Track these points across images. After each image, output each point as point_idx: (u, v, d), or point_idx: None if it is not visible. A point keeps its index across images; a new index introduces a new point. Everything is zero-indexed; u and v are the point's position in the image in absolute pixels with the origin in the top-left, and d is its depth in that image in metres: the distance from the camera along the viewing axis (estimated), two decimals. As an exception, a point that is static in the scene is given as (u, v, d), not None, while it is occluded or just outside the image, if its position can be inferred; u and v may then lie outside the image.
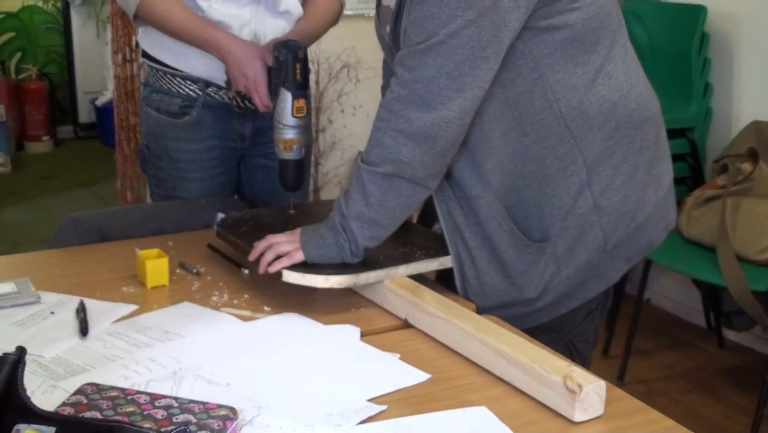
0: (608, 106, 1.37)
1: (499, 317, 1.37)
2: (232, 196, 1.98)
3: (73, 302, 1.40)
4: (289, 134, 1.62)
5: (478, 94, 1.28)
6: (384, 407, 1.11)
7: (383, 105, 1.33)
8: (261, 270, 1.42)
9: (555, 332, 1.48)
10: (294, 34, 1.82)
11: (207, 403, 1.06)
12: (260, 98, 1.72)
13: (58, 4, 5.81)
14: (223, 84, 1.84)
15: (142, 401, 1.05)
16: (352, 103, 3.62)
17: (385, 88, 1.49)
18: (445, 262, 1.46)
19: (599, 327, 1.64)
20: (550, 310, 1.45)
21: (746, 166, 2.63)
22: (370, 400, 1.13)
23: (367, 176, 1.34)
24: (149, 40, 1.89)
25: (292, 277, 1.38)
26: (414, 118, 1.28)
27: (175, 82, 1.87)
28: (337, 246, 1.38)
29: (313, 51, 2.78)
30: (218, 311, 1.39)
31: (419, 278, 1.45)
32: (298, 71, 1.60)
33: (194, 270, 1.54)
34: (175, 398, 1.07)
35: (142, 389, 1.11)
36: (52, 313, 1.36)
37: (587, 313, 1.51)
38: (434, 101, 1.27)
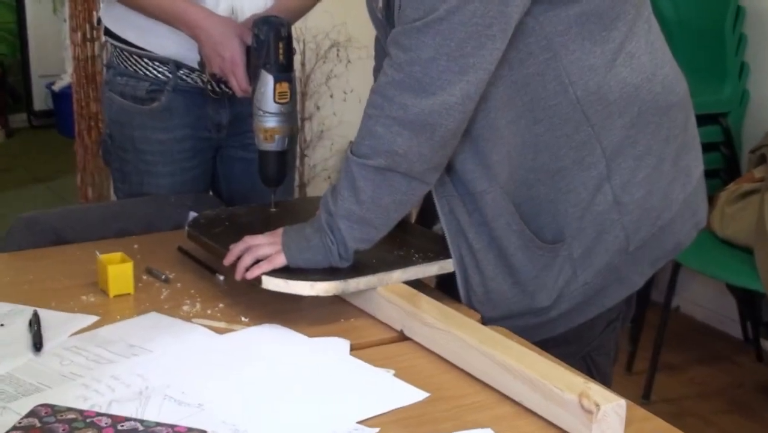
0: (630, 90, 1.37)
1: (507, 328, 1.37)
2: (206, 192, 1.98)
3: (26, 312, 1.39)
4: (271, 122, 1.62)
5: (483, 77, 1.28)
6: (376, 430, 1.11)
7: (375, 90, 1.33)
8: (238, 276, 1.42)
9: (570, 345, 1.48)
10: (276, 10, 1.82)
11: (176, 426, 1.06)
12: (238, 82, 1.72)
13: (10, -24, 5.81)
14: (196, 66, 1.84)
15: (103, 424, 1.05)
16: (342, 87, 3.63)
17: (378, 71, 1.49)
18: (446, 266, 1.46)
19: (621, 339, 1.64)
20: (565, 320, 1.45)
21: (788, 157, 2.64)
22: (360, 422, 1.13)
23: (358, 170, 1.34)
24: (113, 16, 1.89)
25: (272, 283, 1.38)
26: (410, 104, 1.28)
27: (142, 63, 1.87)
28: (324, 248, 1.38)
29: (297, 28, 2.78)
30: (190, 323, 1.39)
31: (417, 284, 1.45)
32: (280, 51, 1.60)
33: (163, 276, 1.55)
34: (141, 421, 1.07)
35: (103, 410, 1.12)
36: (2, 325, 1.36)
37: (607, 323, 1.52)
38: (433, 85, 1.27)
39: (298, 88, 3.45)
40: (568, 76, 1.33)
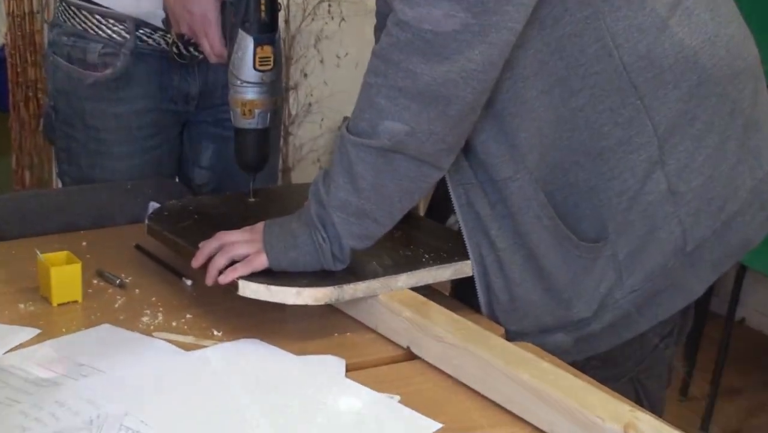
0: (687, 54, 1.37)
1: (538, 345, 1.37)
2: (171, 178, 1.98)
3: (-49, 324, 1.40)
4: (250, 94, 1.62)
5: (508, 38, 1.28)
6: (379, 469, 1.12)
7: (377, 53, 1.33)
8: (209, 281, 1.42)
9: (615, 366, 1.48)
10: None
11: (135, 463, 1.06)
12: (210, 44, 1.72)
13: None
14: (159, 24, 1.84)
15: (45, 460, 1.05)
16: (334, 50, 3.62)
17: (379, 30, 1.49)
18: (462, 269, 1.46)
19: (675, 358, 1.65)
20: (609, 335, 1.45)
21: None
22: (359, 458, 1.13)
23: (356, 152, 1.34)
24: (56, -37, 1.89)
25: (251, 290, 1.38)
26: (419, 71, 1.28)
27: (94, 20, 1.87)
28: (314, 247, 1.38)
29: (281, -22, 2.77)
30: (150, 337, 1.39)
31: (427, 291, 1.45)
32: (262, 7, 1.59)
33: (117, 281, 1.55)
34: (92, 457, 1.07)
35: (46, 443, 1.12)
36: None
37: (659, 339, 1.52)
38: (447, 48, 1.27)
39: (283, 52, 3.45)
40: (612, 38, 1.33)
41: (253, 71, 1.61)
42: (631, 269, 1.41)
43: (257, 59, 1.61)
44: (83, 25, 1.88)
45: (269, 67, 1.62)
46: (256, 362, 1.34)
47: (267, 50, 1.61)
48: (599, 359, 1.45)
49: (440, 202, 1.59)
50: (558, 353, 1.36)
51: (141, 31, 1.87)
